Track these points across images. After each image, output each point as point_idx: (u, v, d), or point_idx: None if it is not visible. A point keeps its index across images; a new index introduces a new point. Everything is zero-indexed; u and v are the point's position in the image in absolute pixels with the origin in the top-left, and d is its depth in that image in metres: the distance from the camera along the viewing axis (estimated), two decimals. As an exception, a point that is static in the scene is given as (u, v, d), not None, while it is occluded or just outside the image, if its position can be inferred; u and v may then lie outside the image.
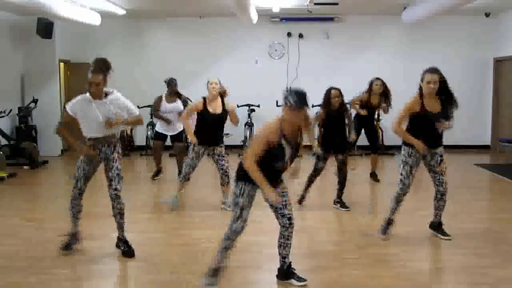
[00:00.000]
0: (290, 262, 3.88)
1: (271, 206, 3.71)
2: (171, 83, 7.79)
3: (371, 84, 7.43)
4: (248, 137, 10.51)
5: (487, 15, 10.85)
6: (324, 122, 6.13)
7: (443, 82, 4.59)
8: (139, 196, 7.00)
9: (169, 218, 5.93)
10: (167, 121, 7.67)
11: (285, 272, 3.87)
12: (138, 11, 10.43)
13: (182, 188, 6.35)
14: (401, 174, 4.79)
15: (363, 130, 7.64)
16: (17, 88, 10.39)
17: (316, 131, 6.40)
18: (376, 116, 8.60)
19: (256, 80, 11.13)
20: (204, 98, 6.00)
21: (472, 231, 4.97)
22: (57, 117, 10.59)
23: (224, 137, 6.19)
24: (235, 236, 3.67)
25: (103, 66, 4.35)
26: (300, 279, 3.84)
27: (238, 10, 8.43)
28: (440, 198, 4.86)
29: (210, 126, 5.97)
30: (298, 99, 3.42)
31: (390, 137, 10.74)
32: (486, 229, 5.29)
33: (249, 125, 10.69)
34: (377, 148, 7.93)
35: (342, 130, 6.10)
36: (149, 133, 10.75)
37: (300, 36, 11.24)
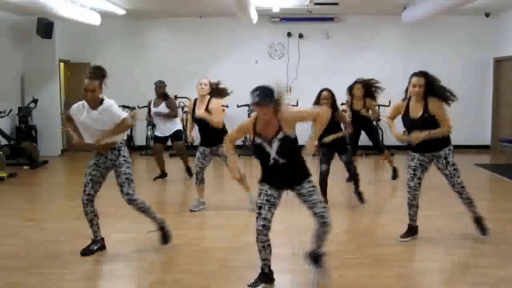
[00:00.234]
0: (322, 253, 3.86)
1: (304, 202, 3.70)
2: (157, 86, 7.87)
3: (351, 88, 7.30)
4: (248, 136, 10.49)
5: (487, 15, 10.85)
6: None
7: (431, 84, 4.53)
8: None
9: (169, 218, 5.90)
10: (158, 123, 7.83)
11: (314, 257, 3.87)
12: (138, 11, 10.43)
13: (202, 191, 6.17)
14: (407, 178, 4.81)
15: (363, 132, 7.61)
16: (17, 88, 10.40)
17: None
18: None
19: (256, 80, 10.86)
20: (196, 99, 6.09)
21: (472, 231, 4.96)
22: (57, 117, 10.63)
23: None
24: (258, 235, 3.65)
25: (98, 73, 4.32)
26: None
27: (238, 10, 8.43)
28: (460, 197, 4.78)
29: (200, 127, 6.01)
30: (257, 94, 3.47)
31: (390, 137, 10.74)
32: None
33: (249, 125, 10.65)
34: (380, 147, 7.85)
35: (337, 131, 5.94)
36: (149, 133, 10.76)
37: (300, 36, 11.24)
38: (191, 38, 11.33)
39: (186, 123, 10.62)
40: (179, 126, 7.93)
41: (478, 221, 4.85)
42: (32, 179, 8.53)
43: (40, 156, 9.58)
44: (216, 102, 5.96)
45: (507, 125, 10.75)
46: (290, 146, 3.63)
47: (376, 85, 7.33)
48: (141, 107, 10.18)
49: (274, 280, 3.82)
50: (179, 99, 10.24)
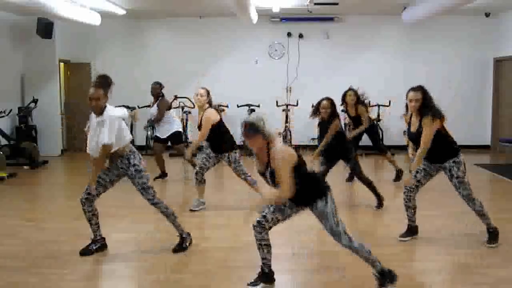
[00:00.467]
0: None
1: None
2: (152, 87, 7.86)
3: (344, 96, 7.29)
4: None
5: (487, 15, 10.84)
6: (321, 131, 6.16)
7: (426, 99, 4.50)
8: (140, 197, 6.98)
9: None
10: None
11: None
12: (138, 11, 10.43)
13: (202, 191, 6.19)
14: None
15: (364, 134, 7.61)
16: (17, 88, 10.39)
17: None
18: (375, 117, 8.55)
19: (256, 80, 11.12)
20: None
21: (472, 231, 4.96)
22: (57, 117, 10.64)
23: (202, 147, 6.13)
24: (253, 231, 3.67)
25: (104, 82, 4.32)
26: None
27: (238, 10, 8.43)
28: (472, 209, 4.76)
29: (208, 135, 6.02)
30: (243, 126, 3.57)
31: (390, 137, 10.76)
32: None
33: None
34: (380, 147, 7.86)
35: (339, 138, 5.99)
36: (149, 133, 10.75)
37: (300, 36, 11.23)
38: (191, 38, 11.33)
39: (186, 123, 10.64)
40: (177, 127, 7.83)
41: (491, 232, 4.76)
42: (32, 179, 8.53)
43: (40, 156, 9.58)
44: (207, 114, 5.95)
45: (507, 125, 10.75)
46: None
47: (362, 98, 7.33)
48: (141, 107, 10.19)
49: (274, 280, 3.82)
50: (179, 99, 10.25)
